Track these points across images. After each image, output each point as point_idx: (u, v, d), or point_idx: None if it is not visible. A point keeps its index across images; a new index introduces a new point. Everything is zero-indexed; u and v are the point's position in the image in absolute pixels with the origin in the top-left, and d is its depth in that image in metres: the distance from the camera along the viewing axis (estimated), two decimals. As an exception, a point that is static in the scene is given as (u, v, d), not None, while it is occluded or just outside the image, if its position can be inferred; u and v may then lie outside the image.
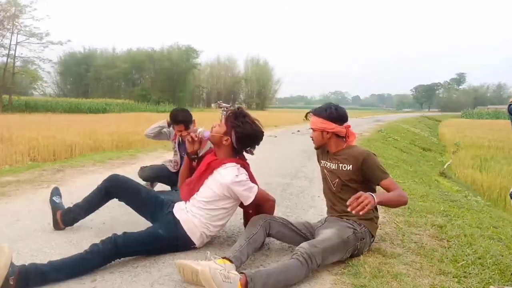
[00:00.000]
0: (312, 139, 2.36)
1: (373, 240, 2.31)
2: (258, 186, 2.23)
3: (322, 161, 2.44)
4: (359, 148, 2.31)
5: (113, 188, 2.36)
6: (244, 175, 2.19)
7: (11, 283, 1.62)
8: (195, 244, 2.20)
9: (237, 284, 1.67)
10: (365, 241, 2.19)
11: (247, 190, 2.15)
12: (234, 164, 2.22)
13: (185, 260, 1.83)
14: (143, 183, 3.12)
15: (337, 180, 2.30)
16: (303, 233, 2.23)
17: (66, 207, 2.48)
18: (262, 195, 2.24)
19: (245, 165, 2.28)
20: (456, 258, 2.21)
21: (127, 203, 2.41)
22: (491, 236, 2.62)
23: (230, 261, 1.83)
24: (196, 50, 48.15)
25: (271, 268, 1.84)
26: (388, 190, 2.17)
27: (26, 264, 1.74)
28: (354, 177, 2.23)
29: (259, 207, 2.28)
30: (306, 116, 2.41)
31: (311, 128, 2.34)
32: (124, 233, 1.99)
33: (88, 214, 2.45)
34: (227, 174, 2.16)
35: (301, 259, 1.85)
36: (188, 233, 2.15)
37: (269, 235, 2.16)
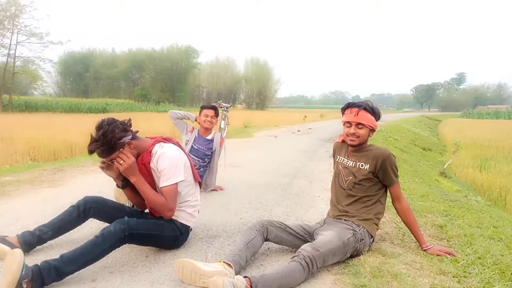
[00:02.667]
0: (355, 135, 2.24)
1: (373, 241, 2.31)
2: (176, 184, 2.11)
3: (338, 156, 2.44)
4: (380, 149, 2.30)
5: (96, 204, 2.22)
6: (171, 167, 2.08)
7: (25, 286, 1.61)
8: (190, 227, 2.31)
9: None
10: (364, 242, 2.19)
11: (165, 177, 2.08)
12: (155, 146, 2.17)
13: (188, 259, 1.82)
14: None
15: (351, 177, 2.30)
16: (301, 235, 2.22)
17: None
18: (170, 195, 2.09)
19: (167, 140, 2.26)
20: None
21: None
22: (491, 236, 2.61)
23: (230, 265, 1.83)
24: (196, 50, 48.30)
25: (275, 272, 1.83)
26: (392, 196, 2.32)
27: (39, 264, 1.73)
28: (369, 177, 2.25)
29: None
30: (343, 110, 2.31)
31: (361, 123, 2.22)
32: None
33: (58, 235, 2.18)
34: (154, 159, 2.12)
35: (303, 263, 1.86)
36: (180, 220, 2.25)
37: (267, 239, 2.15)
